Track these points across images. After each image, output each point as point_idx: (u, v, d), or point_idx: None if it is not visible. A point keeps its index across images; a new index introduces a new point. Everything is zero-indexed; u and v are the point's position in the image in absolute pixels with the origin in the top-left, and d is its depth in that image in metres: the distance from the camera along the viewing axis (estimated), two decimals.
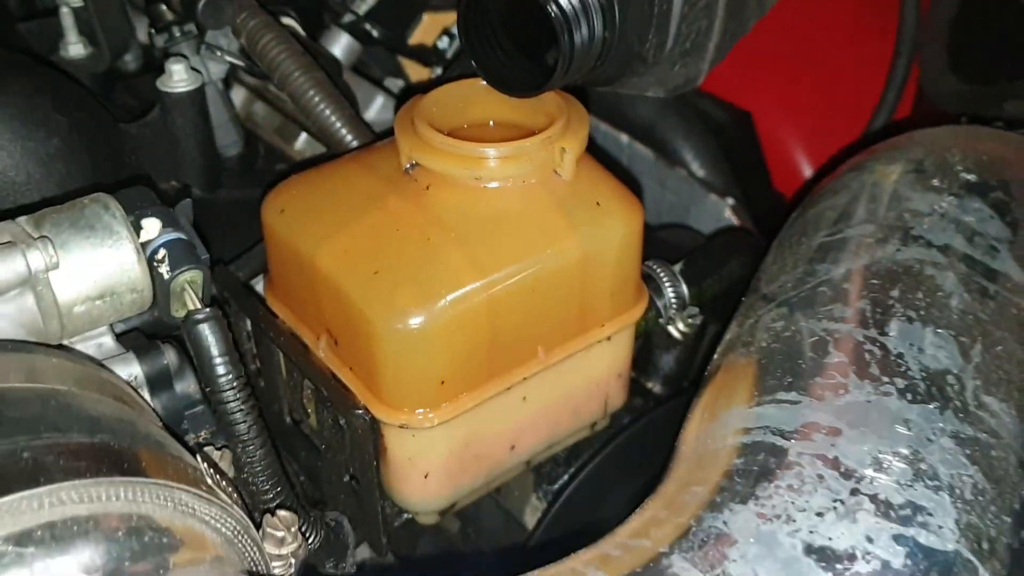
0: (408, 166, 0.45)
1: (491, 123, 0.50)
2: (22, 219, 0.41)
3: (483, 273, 0.42)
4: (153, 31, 0.66)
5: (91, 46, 0.66)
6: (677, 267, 0.58)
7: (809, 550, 0.31)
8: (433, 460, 0.45)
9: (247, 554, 0.35)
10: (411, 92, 0.62)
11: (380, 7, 0.69)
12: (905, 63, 0.84)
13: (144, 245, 0.41)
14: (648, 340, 0.58)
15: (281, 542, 0.39)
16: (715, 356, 0.45)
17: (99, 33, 0.66)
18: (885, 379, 0.36)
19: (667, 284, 0.55)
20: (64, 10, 0.65)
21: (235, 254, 0.55)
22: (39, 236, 0.39)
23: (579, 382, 0.50)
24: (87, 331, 0.41)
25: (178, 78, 0.55)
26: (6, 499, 0.29)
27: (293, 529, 0.40)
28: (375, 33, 0.70)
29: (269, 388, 0.51)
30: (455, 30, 0.70)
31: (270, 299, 0.50)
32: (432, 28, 0.70)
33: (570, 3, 0.46)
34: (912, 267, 0.42)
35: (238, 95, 0.71)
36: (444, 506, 0.49)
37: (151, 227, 0.40)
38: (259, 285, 0.53)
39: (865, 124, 0.87)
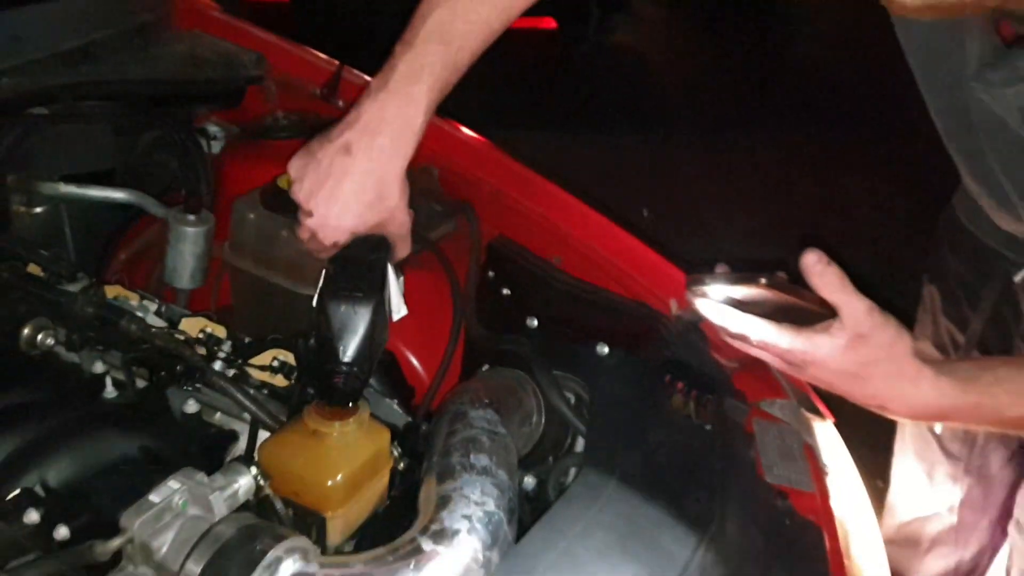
0: (313, 430, 1.22)
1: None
2: (218, 474, 1.04)
3: (352, 461, 1.20)
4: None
5: None
6: (395, 443, 1.39)
7: (465, 516, 1.13)
8: (339, 528, 1.22)
9: None
10: None
11: (236, 346, 1.42)
12: (459, 318, 1.44)
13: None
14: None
15: None
16: (423, 473, 1.27)
17: (130, 391, 1.29)
18: (471, 471, 1.20)
19: (395, 451, 1.35)
20: (108, 381, 1.26)
21: None
22: None
23: (377, 491, 1.26)
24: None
25: (193, 406, 1.26)
26: (271, 552, 1.02)
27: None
28: (238, 360, 1.43)
29: None
30: (280, 357, 1.26)
31: None
32: (267, 357, 1.30)
33: None
34: (473, 435, 1.27)
35: None
36: (342, 544, 1.26)
37: (253, 469, 1.06)
38: None
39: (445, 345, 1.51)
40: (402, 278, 1.17)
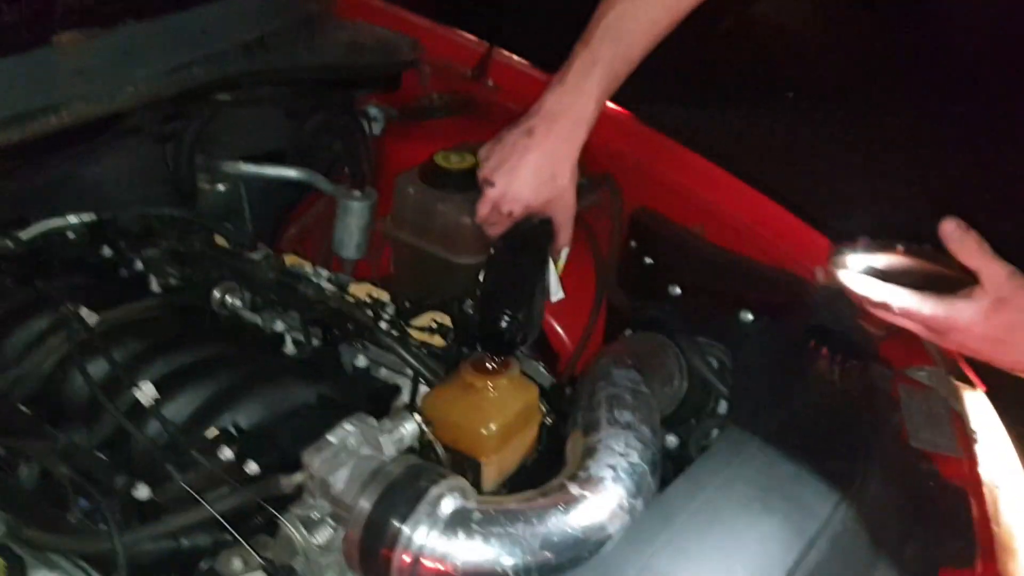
0: (468, 385, 1.31)
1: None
2: (386, 419, 1.11)
3: (505, 412, 1.20)
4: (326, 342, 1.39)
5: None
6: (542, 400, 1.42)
7: (610, 466, 1.19)
8: (492, 475, 1.31)
9: None
10: None
11: (400, 308, 1.43)
12: (602, 287, 1.51)
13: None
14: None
15: None
16: (569, 428, 1.32)
17: (306, 348, 1.35)
18: (616, 425, 1.26)
19: (543, 407, 1.41)
20: (288, 339, 1.37)
21: None
22: None
23: (527, 442, 1.33)
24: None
25: (363, 361, 1.38)
26: (436, 486, 0.99)
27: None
28: (401, 321, 1.51)
29: None
30: (438, 319, 1.29)
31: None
32: (426, 318, 1.27)
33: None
34: (617, 395, 1.33)
35: None
36: (497, 488, 1.24)
37: (418, 417, 1.16)
38: None
39: (588, 316, 1.54)
40: (562, 262, 1.27)
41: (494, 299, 1.12)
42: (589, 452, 1.03)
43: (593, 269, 1.52)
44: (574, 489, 0.98)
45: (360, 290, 1.48)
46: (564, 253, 1.26)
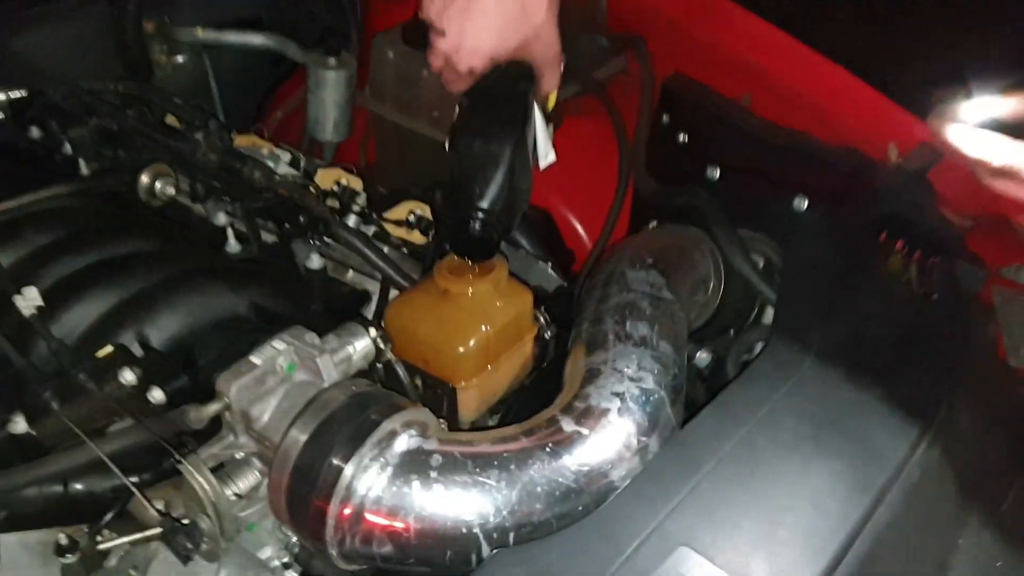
0: (444, 290, 1.06)
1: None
2: (331, 335, 0.86)
3: (487, 324, 0.96)
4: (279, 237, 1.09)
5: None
6: (543, 308, 1.04)
7: (616, 393, 0.93)
8: (471, 402, 1.05)
9: None
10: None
11: (372, 199, 1.17)
12: (626, 170, 1.30)
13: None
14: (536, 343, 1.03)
15: None
16: (569, 344, 1.08)
17: (253, 245, 1.07)
18: (626, 341, 1.00)
19: (541, 319, 1.17)
20: (230, 233, 1.09)
21: None
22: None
23: (516, 364, 1.03)
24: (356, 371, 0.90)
25: (317, 261, 0.99)
26: (393, 417, 0.86)
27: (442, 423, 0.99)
28: (373, 215, 1.15)
29: None
30: (417, 211, 1.13)
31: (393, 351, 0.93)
32: (403, 210, 1.13)
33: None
34: (632, 300, 1.05)
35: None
36: (474, 420, 0.99)
37: (372, 331, 0.86)
38: None
39: (610, 206, 1.29)
40: (551, 123, 0.96)
41: (461, 189, 0.90)
42: (591, 376, 0.86)
43: (616, 149, 1.31)
44: (567, 424, 0.82)
45: (327, 177, 1.22)
46: (552, 98, 0.95)
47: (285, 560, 0.88)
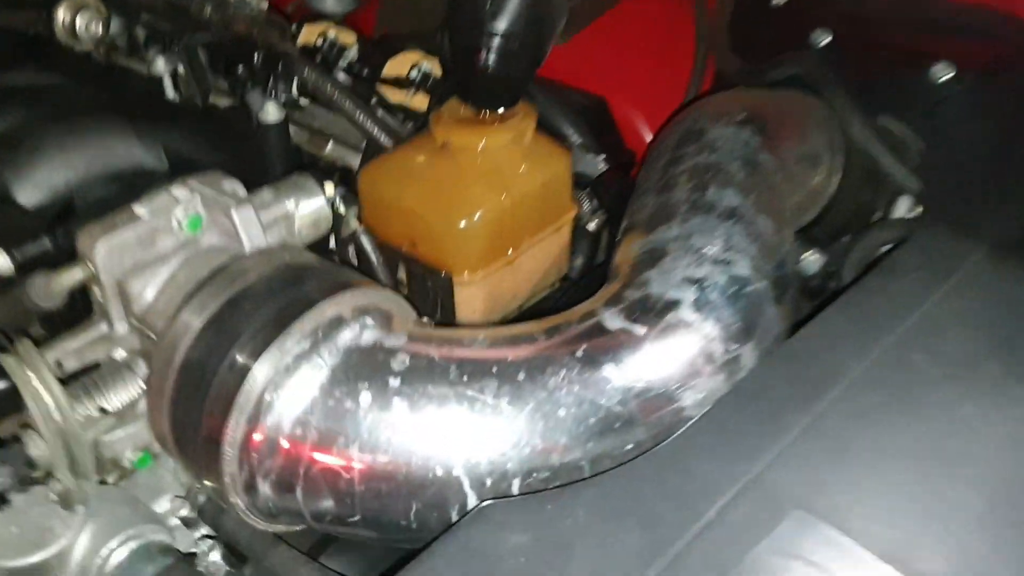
0: (442, 144, 0.76)
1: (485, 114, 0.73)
2: (266, 188, 0.60)
3: (496, 196, 0.71)
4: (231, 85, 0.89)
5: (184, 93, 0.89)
6: (587, 190, 0.84)
7: (685, 279, 0.58)
8: (478, 303, 0.73)
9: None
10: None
11: (366, 53, 0.93)
12: (704, 50, 1.08)
13: (329, 197, 0.63)
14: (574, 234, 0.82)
15: None
16: (622, 225, 0.77)
17: (192, 85, 0.89)
18: (709, 213, 0.69)
19: (584, 200, 0.87)
20: (168, 82, 0.89)
21: None
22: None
23: (545, 257, 0.77)
24: (306, 243, 0.62)
25: (274, 114, 0.79)
26: (336, 296, 0.52)
27: (427, 321, 0.66)
28: (364, 72, 0.91)
29: None
30: (422, 65, 0.92)
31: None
32: (404, 63, 0.91)
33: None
34: (716, 163, 0.74)
35: None
36: None
37: (329, 187, 0.62)
38: None
39: (677, 97, 1.07)
40: None
41: (468, 5, 0.69)
42: (652, 256, 0.60)
43: (690, 26, 1.07)
44: (613, 320, 0.55)
45: (313, 31, 0.93)
46: None
47: (186, 515, 0.59)
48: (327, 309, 0.53)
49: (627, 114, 1.11)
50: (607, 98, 1.08)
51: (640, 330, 0.54)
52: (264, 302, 0.53)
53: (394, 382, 0.51)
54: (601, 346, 0.54)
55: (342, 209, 0.64)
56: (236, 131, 0.80)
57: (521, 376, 0.52)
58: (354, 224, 0.65)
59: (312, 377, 0.51)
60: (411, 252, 0.71)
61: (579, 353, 0.53)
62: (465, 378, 0.51)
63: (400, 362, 0.52)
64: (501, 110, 0.73)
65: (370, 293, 0.55)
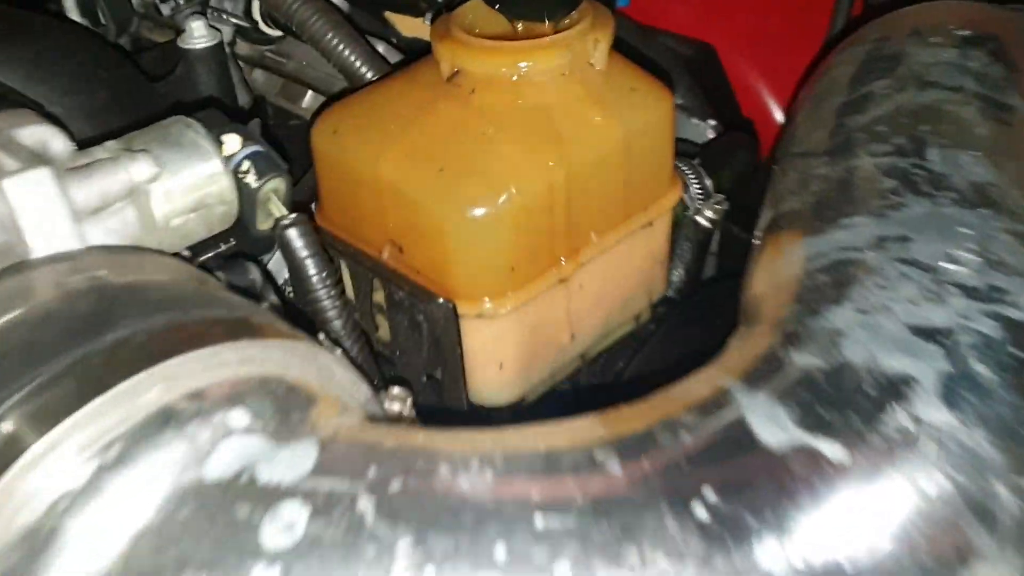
0: (451, 74, 0.48)
1: (519, 29, 0.52)
2: (111, 142, 0.42)
3: (541, 162, 0.47)
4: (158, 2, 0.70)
5: (95, 25, 0.70)
6: (695, 161, 0.64)
7: (914, 330, 0.34)
8: (506, 349, 0.49)
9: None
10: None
11: None
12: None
13: (228, 159, 0.42)
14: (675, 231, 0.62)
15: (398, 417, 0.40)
16: (760, 217, 0.48)
17: (105, 12, 0.70)
18: (937, 193, 0.40)
19: (691, 176, 0.59)
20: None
21: None
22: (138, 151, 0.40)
23: (626, 269, 0.54)
24: (181, 246, 0.43)
25: (199, 35, 0.59)
26: (175, 360, 0.29)
27: (408, 402, 0.40)
28: None
29: None
30: None
31: (323, 224, 0.52)
32: None
33: None
34: (934, 106, 0.47)
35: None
36: (516, 397, 0.51)
37: (232, 142, 0.42)
38: None
39: (812, 45, 0.91)
40: None
41: None
42: (835, 278, 0.36)
43: None
44: (771, 428, 0.30)
45: None
46: None
47: None
48: (143, 391, 0.25)
49: (742, 72, 0.94)
50: (715, 46, 0.92)
51: (836, 452, 0.25)
52: (17, 368, 0.25)
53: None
54: (753, 496, 0.26)
55: (253, 181, 0.36)
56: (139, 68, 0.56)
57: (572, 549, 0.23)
58: (277, 210, 0.37)
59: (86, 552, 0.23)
60: (392, 264, 0.45)
61: (701, 514, 0.23)
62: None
63: (286, 523, 0.23)
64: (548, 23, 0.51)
65: (260, 351, 0.27)
